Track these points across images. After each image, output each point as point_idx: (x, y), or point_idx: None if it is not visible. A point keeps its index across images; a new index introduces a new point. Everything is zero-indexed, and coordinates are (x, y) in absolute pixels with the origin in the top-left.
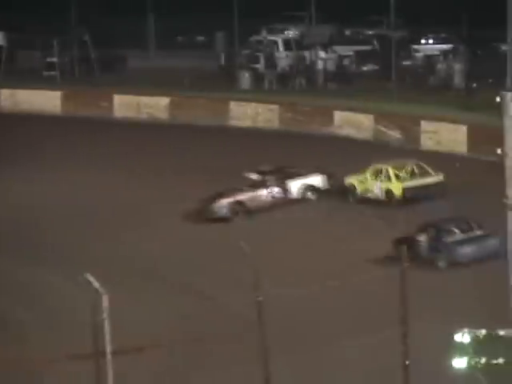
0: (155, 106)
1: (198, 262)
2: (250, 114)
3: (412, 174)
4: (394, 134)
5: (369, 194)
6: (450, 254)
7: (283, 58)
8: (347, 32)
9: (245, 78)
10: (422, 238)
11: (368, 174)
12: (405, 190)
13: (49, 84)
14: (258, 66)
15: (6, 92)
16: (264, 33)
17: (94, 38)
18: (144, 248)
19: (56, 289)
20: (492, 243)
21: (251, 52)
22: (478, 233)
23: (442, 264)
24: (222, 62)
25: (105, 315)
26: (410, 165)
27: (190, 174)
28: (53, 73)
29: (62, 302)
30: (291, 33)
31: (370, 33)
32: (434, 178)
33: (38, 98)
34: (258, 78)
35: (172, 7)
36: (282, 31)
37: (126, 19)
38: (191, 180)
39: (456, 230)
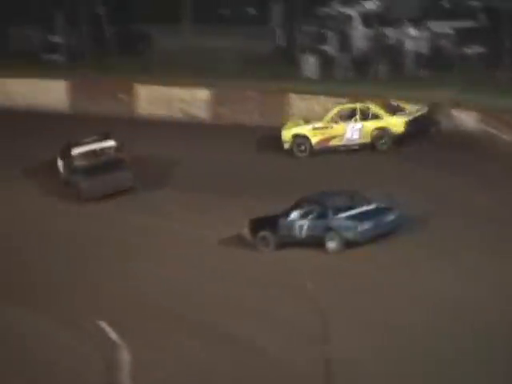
0: (191, 100)
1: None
2: (316, 110)
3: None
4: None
5: (334, 143)
6: (343, 232)
7: (361, 38)
8: (445, 3)
9: (309, 64)
10: (295, 216)
11: (328, 119)
12: (408, 123)
13: (51, 71)
14: (326, 47)
15: None
16: (335, 4)
17: (108, 9)
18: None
19: (51, 339)
20: (389, 217)
21: (318, 29)
22: (370, 207)
23: (332, 245)
24: (280, 41)
25: (125, 375)
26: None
27: (246, 193)
28: (56, 56)
29: (61, 357)
30: (371, 4)
31: (476, 4)
32: (421, 111)
33: (37, 88)
34: (327, 62)
35: None
36: (358, 2)
37: None
38: (246, 201)
39: (344, 205)
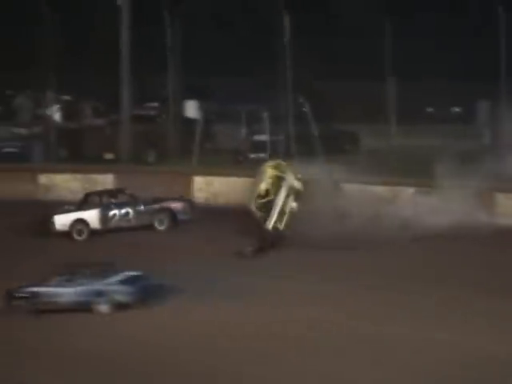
0: (394, 199)
1: None
2: None
3: None
4: None
5: None
6: (115, 295)
7: None
8: None
9: None
10: (56, 284)
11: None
12: None
13: (255, 169)
14: None
15: (199, 180)
16: None
17: (313, 107)
18: None
19: None
20: (149, 283)
21: None
22: (131, 273)
23: (104, 308)
24: (487, 140)
25: None
26: None
27: None
28: (262, 155)
29: None
30: None
31: None
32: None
33: (240, 187)
34: None
35: (417, 69)
36: None
37: (355, 84)
38: None
39: (104, 273)
